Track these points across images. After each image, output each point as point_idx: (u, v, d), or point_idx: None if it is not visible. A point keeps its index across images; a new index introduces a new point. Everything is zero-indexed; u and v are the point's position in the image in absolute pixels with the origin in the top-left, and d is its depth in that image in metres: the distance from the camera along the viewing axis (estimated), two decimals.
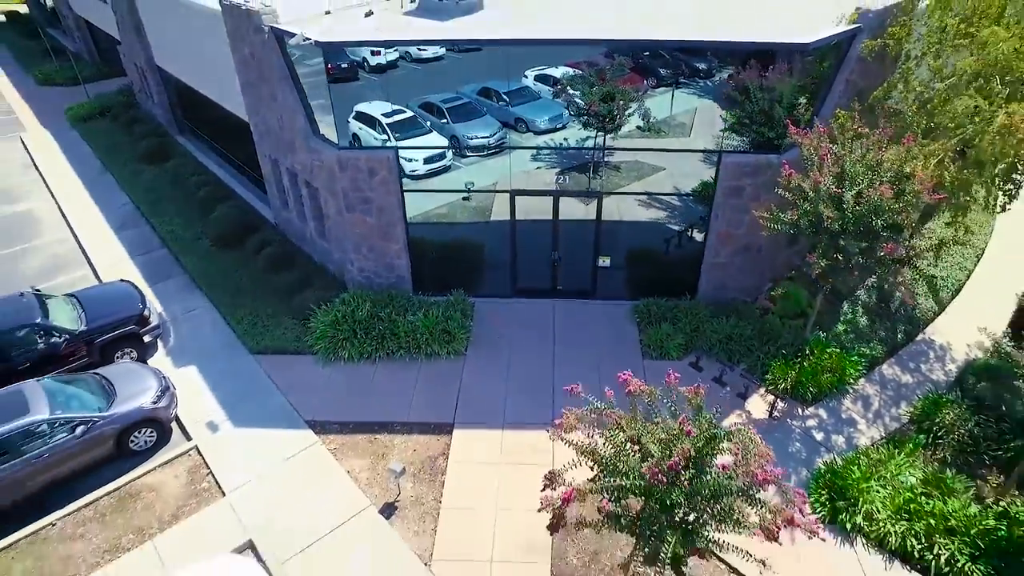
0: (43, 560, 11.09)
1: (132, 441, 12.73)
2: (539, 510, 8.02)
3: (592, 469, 8.11)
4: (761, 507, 7.52)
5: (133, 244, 19.52)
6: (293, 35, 13.86)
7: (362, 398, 13.62)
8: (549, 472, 8.20)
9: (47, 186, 23.29)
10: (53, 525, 11.59)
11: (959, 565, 9.94)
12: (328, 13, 16.51)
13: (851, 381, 13.55)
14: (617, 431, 8.01)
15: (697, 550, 8.17)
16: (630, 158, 16.04)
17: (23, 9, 45.99)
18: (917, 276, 15.54)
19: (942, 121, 11.85)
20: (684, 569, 8.78)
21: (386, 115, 16.36)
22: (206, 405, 13.78)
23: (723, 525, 7.69)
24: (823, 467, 11.67)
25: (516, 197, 16.03)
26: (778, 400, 13.13)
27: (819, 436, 12.60)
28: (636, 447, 8.01)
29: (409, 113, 16.78)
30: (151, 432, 12.92)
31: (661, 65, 16.87)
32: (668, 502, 7.52)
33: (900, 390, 13.59)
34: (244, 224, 19.49)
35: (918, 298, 15.59)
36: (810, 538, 7.72)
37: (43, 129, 27.93)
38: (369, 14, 16.88)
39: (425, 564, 10.65)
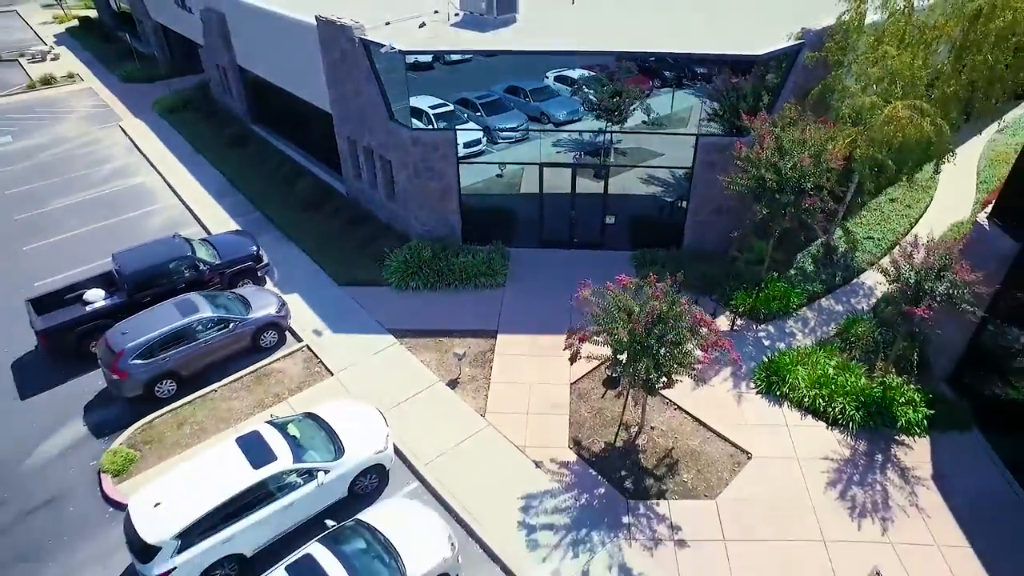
0: (213, 411, 15.84)
1: (262, 340, 17.47)
2: (564, 348, 12.65)
3: (599, 336, 12.64)
4: (700, 337, 12.07)
5: (231, 209, 24.31)
6: (381, 44, 18.57)
7: (428, 314, 18.31)
8: (570, 329, 12.85)
9: (151, 164, 28.16)
10: (215, 391, 16.36)
11: (848, 413, 14.50)
12: (388, 24, 21.11)
13: (794, 308, 18.06)
14: (614, 299, 12.61)
15: (668, 380, 12.66)
16: (634, 144, 20.63)
17: (93, 14, 51.05)
18: (850, 235, 20.10)
19: (856, 113, 16.40)
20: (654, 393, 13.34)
21: (432, 107, 21.00)
22: (309, 319, 18.52)
23: (680, 364, 12.23)
24: (765, 359, 16.23)
25: (544, 169, 20.65)
26: (737, 318, 17.70)
27: (766, 343, 17.13)
28: (626, 313, 12.59)
29: (450, 106, 21.45)
30: (275, 334, 17.68)
31: (666, 69, 21.43)
32: (644, 343, 12.11)
33: (831, 315, 18.07)
34: (321, 193, 24.28)
35: (856, 254, 20.02)
36: (729, 362, 12.31)
37: (136, 119, 32.84)
38: (422, 25, 21.60)
39: (481, 415, 15.32)
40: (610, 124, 20.12)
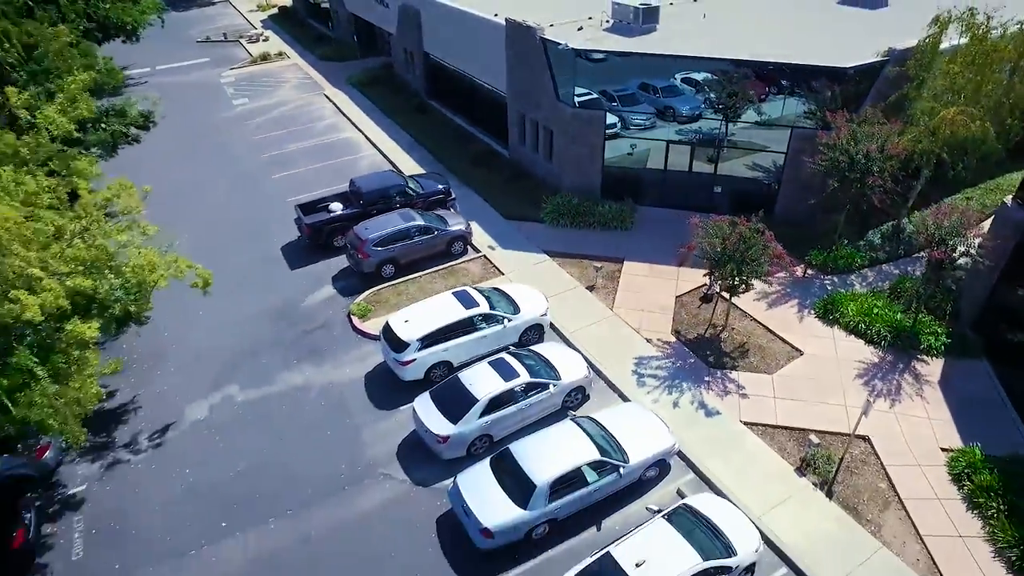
0: (420, 289, 23.13)
1: (453, 248, 24.68)
2: (678, 251, 18.91)
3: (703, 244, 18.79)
4: (769, 253, 17.98)
5: (418, 160, 31.93)
6: (557, 43, 25.36)
7: (572, 243, 24.93)
8: (683, 244, 19.10)
9: (353, 123, 36.45)
10: (421, 276, 23.71)
11: (882, 334, 19.89)
12: (552, 26, 27.74)
13: (856, 267, 23.28)
14: (715, 225, 18.74)
15: (745, 283, 18.64)
16: (744, 138, 26.33)
17: (289, 3, 61.42)
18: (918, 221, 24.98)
19: (922, 115, 21.59)
20: (737, 294, 19.30)
21: (577, 95, 27.48)
22: (484, 239, 25.59)
23: (756, 270, 18.21)
24: (825, 296, 21.74)
25: (668, 148, 26.82)
26: (808, 268, 23.22)
27: (829, 287, 22.56)
28: (721, 234, 18.63)
29: (595, 95, 27.87)
30: (462, 244, 24.85)
31: (781, 77, 26.92)
32: (731, 254, 18.16)
33: (888, 276, 23.12)
34: (487, 154, 31.49)
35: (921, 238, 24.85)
36: (796, 275, 18.18)
37: (335, 89, 41.51)
38: (580, 29, 28.22)
39: (610, 309, 21.79)
40: (724, 120, 25.91)
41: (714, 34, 27.29)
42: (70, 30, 27.12)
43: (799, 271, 23.18)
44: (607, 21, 29.01)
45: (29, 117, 18.79)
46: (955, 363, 19.51)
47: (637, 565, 12.95)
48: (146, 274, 17.13)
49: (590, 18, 29.12)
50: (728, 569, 13.43)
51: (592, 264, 23.37)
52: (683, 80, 35.83)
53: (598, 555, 13.48)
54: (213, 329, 21.89)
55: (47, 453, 17.27)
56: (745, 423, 17.79)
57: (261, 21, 58.41)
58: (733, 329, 20.89)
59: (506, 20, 28.22)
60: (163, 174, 30.59)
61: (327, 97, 40.34)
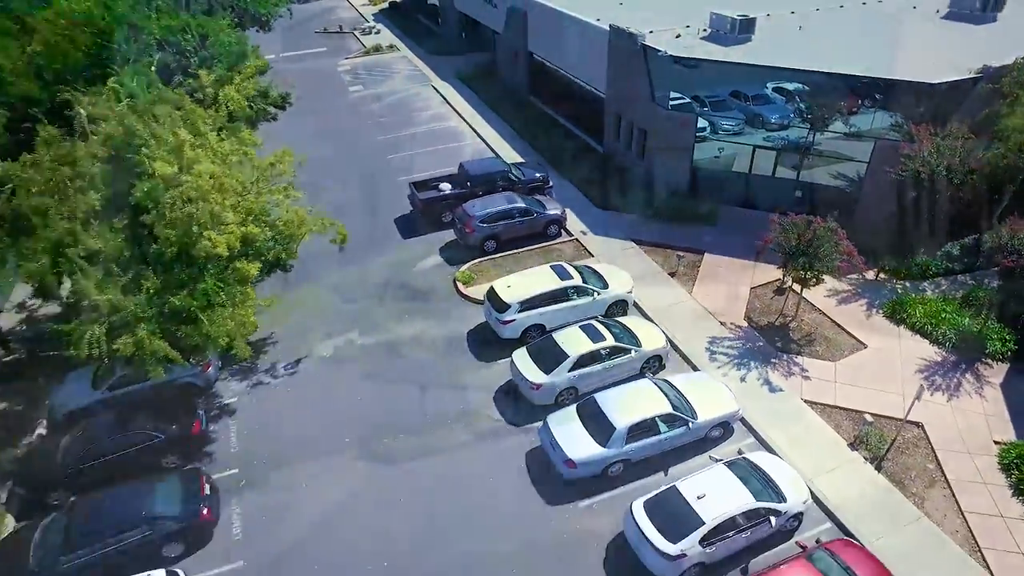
0: (517, 263, 26.09)
1: (548, 230, 27.53)
2: (756, 244, 21.11)
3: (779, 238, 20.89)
4: (840, 250, 19.93)
5: (520, 151, 34.93)
6: (657, 50, 27.78)
7: (658, 234, 27.31)
8: (761, 238, 21.27)
9: (458, 114, 39.85)
10: (519, 252, 26.67)
11: (947, 336, 21.43)
12: (651, 33, 30.03)
13: (931, 275, 24.70)
14: (791, 221, 20.82)
15: (817, 276, 20.65)
16: (829, 147, 28.01)
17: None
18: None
19: (1015, 132, 22.76)
20: (807, 287, 21.35)
21: (671, 100, 29.73)
22: (578, 224, 28.31)
23: (827, 265, 20.20)
24: (895, 298, 23.35)
25: (756, 151, 28.81)
26: (881, 272, 24.81)
27: (900, 291, 24.13)
28: (796, 230, 20.70)
29: (687, 100, 30.05)
30: (557, 227, 27.65)
31: (873, 91, 28.41)
32: (804, 248, 20.23)
33: (963, 286, 24.41)
34: (582, 149, 34.20)
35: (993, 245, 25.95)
36: (868, 277, 20.11)
37: (442, 81, 45.11)
38: (678, 36, 30.48)
39: (689, 293, 24.11)
40: (812, 129, 27.64)
41: (809, 46, 28.98)
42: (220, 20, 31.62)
43: (871, 273, 24.78)
44: (704, 30, 31.09)
45: (213, 94, 22.80)
46: (1020, 369, 20.79)
47: (698, 497, 15.40)
48: (295, 228, 20.74)
49: (688, 26, 31.27)
50: (777, 512, 15.67)
51: (675, 253, 25.72)
52: (774, 89, 37.64)
53: (665, 488, 16.00)
54: (338, 283, 25.53)
55: (210, 369, 21.16)
56: (805, 400, 19.85)
57: (373, 15, 62.98)
58: (802, 320, 22.85)
59: (609, 26, 30.80)
60: (293, 149, 34.66)
61: (435, 88, 43.96)
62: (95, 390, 20.06)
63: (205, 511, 16.67)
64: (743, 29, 29.85)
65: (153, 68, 24.76)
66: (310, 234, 21.08)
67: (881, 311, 23.11)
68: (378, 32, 57.36)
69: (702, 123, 32.18)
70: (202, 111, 21.22)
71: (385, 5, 66.00)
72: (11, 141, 24.90)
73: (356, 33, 57.15)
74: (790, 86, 35.33)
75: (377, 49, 52.31)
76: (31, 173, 19.27)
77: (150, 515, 16.15)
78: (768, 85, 36.89)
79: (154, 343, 17.30)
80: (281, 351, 22.74)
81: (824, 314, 23.08)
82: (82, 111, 20.34)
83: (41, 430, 19.91)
